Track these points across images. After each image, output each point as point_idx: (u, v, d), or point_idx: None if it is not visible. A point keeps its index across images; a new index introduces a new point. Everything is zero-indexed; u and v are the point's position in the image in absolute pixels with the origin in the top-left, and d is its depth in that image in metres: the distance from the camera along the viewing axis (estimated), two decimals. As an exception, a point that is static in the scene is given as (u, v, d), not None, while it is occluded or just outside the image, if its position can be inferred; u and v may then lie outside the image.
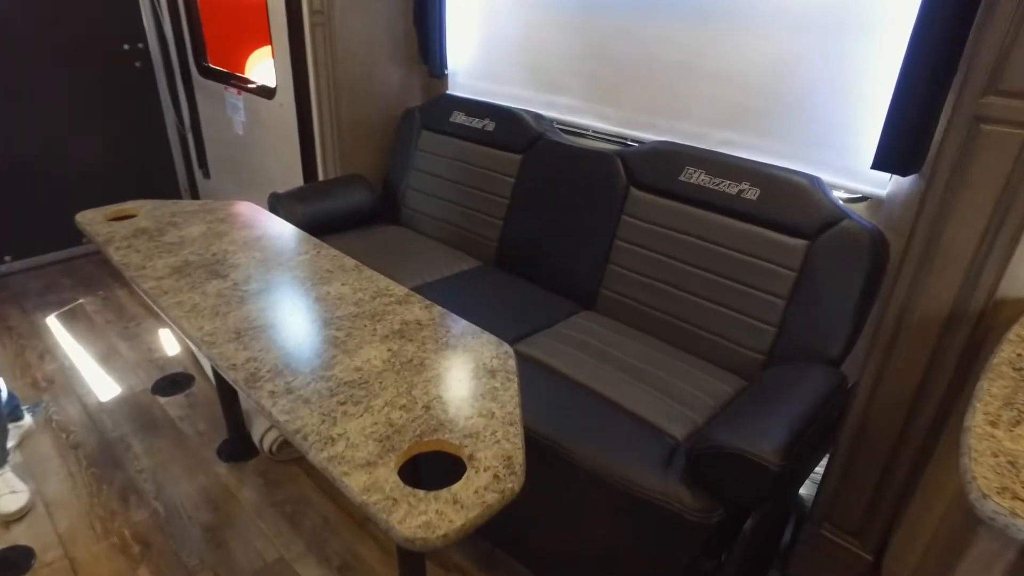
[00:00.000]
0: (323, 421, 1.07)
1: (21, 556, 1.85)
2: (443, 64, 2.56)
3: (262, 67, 3.02)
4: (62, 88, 3.38)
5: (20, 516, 1.96)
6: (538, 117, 2.24)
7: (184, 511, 1.97)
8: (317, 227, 2.45)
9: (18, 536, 1.91)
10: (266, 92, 2.92)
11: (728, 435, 1.26)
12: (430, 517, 0.89)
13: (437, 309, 1.43)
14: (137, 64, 3.62)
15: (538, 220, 2.14)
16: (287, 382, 1.17)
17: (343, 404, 1.11)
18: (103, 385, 2.55)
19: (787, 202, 1.63)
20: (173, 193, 4.04)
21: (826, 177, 1.68)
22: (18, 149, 3.33)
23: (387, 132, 2.69)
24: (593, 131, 2.19)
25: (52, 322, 2.98)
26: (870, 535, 1.52)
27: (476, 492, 0.93)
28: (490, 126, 2.28)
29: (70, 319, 3.01)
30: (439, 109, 2.47)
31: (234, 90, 3.17)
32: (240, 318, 1.37)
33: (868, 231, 1.52)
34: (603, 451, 1.40)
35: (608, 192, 1.94)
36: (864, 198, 1.67)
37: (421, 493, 0.93)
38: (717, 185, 1.73)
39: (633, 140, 2.09)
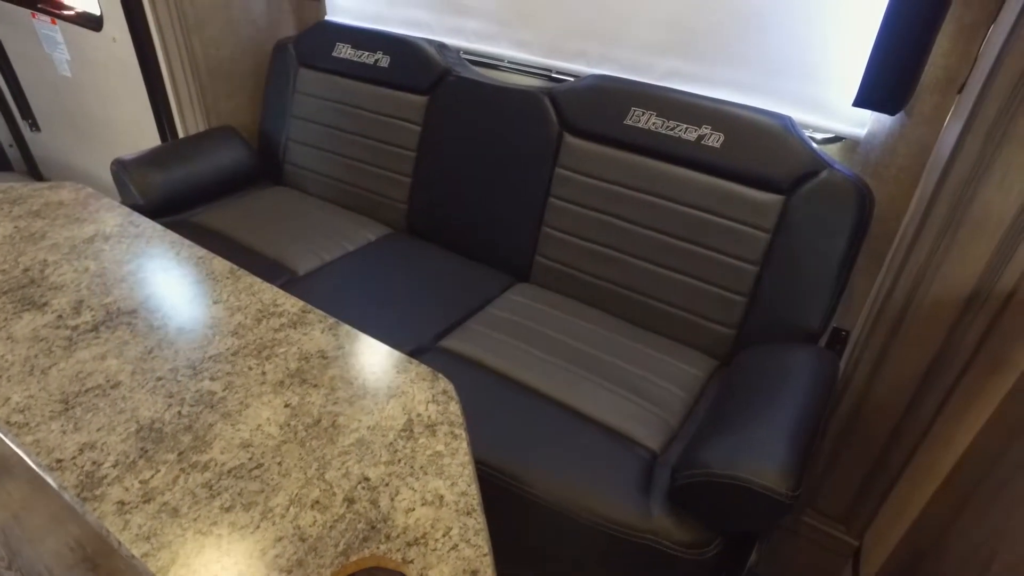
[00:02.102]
0: (201, 548, 0.75)
1: None
2: (315, -17, 2.07)
3: (76, -10, 2.38)
4: None
5: None
6: (442, 47, 1.84)
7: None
8: (182, 199, 2.00)
9: None
10: (90, 22, 2.31)
11: (720, 456, 1.04)
12: None
13: (344, 329, 1.09)
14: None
15: (454, 176, 1.79)
16: (143, 481, 0.82)
17: (228, 511, 0.79)
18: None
19: (757, 149, 1.37)
20: (-6, 151, 3.31)
21: (792, 113, 1.43)
22: None
23: (259, 72, 2.20)
24: (510, 62, 1.82)
25: None
26: (856, 520, 1.39)
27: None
28: (384, 61, 1.86)
29: None
30: (318, 41, 2.00)
31: (46, 18, 2.50)
32: (69, 375, 0.98)
33: (853, 183, 1.30)
34: (565, 479, 1.16)
35: (537, 140, 1.61)
36: (837, 139, 1.44)
37: (358, 663, 0.64)
38: (672, 130, 1.45)
39: (561, 73, 1.74)
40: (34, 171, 3.43)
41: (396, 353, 1.05)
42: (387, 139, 1.89)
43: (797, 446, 1.03)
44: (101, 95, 2.54)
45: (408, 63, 1.82)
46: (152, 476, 0.82)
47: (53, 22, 2.48)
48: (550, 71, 1.76)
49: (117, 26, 2.16)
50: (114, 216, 1.42)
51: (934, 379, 1.15)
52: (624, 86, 1.54)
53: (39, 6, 2.50)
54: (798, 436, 1.04)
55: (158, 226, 1.39)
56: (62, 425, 0.90)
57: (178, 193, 1.98)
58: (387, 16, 2.01)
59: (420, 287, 1.68)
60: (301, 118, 2.07)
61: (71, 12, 2.39)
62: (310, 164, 2.09)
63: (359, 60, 1.90)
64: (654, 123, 1.46)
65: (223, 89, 2.16)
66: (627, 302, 1.57)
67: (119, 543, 0.75)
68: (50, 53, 2.64)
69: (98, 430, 0.89)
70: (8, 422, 0.90)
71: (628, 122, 1.49)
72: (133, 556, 0.74)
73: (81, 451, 0.86)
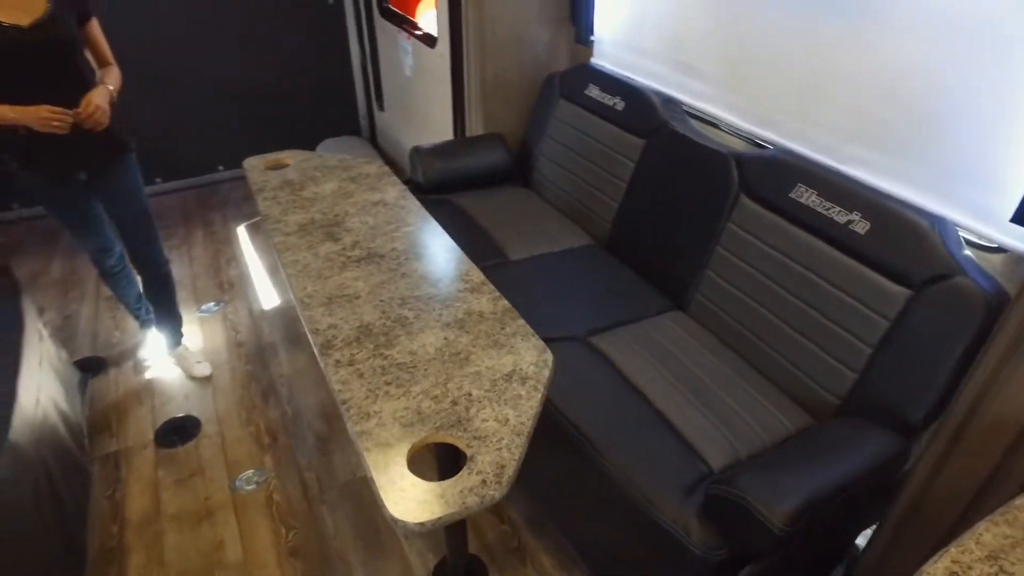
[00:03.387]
0: (367, 396, 1.26)
1: (192, 425, 2.35)
2: (589, 30, 2.53)
3: (429, 15, 3.17)
4: (263, 21, 3.83)
5: (205, 379, 2.53)
6: (668, 101, 2.17)
7: (305, 418, 2.36)
8: (451, 183, 2.64)
9: (191, 408, 2.42)
10: (430, 40, 3.09)
11: (749, 481, 1.26)
12: (415, 506, 1.04)
13: (503, 303, 1.54)
14: (330, 2, 3.97)
15: (649, 209, 2.13)
16: (352, 355, 1.37)
17: (388, 384, 1.29)
18: (268, 295, 3.02)
19: (898, 242, 1.48)
20: (353, 121, 4.45)
21: (961, 217, 1.49)
22: (231, 71, 3.87)
23: (531, 94, 2.75)
24: (721, 121, 2.08)
25: (241, 232, 3.54)
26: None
27: (461, 492, 1.07)
28: (620, 105, 2.25)
29: (254, 231, 3.55)
30: (577, 79, 2.47)
31: (405, 34, 3.38)
32: (336, 284, 1.59)
33: (983, 294, 1.35)
34: (633, 464, 1.47)
35: (719, 195, 1.87)
36: (1002, 249, 1.46)
37: (417, 481, 1.08)
38: (827, 210, 1.61)
39: (761, 139, 1.96)
40: (373, 138, 4.52)
41: (528, 327, 1.46)
42: (608, 168, 2.29)
43: (811, 494, 1.20)
44: (425, 94, 3.34)
45: (637, 109, 2.19)
46: (357, 353, 1.36)
47: (408, 38, 3.34)
48: (752, 136, 1.98)
49: (444, 46, 2.88)
50: (395, 190, 2.05)
51: (989, 495, 1.19)
52: (798, 163, 1.72)
53: (404, 26, 3.38)
54: (817, 487, 1.22)
55: (418, 204, 1.98)
56: (323, 312, 1.49)
57: (448, 179, 2.63)
58: (636, 65, 2.39)
59: (593, 291, 2.07)
60: (552, 138, 2.57)
61: (420, 32, 3.21)
62: (550, 175, 2.59)
63: (601, 100, 2.32)
64: (813, 201, 1.63)
65: (501, 104, 2.76)
66: (753, 348, 1.76)
67: (338, 388, 1.30)
68: (402, 59, 3.54)
69: (340, 319, 1.47)
70: (301, 301, 1.53)
71: (792, 195, 1.68)
72: (340, 391, 1.28)
73: (328, 328, 1.44)
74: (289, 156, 2.30)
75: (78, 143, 1.87)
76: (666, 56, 2.26)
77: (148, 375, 2.56)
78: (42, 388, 1.97)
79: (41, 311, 2.87)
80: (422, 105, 3.47)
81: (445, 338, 1.42)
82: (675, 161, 2.05)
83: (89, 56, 1.98)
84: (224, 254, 3.35)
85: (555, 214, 2.50)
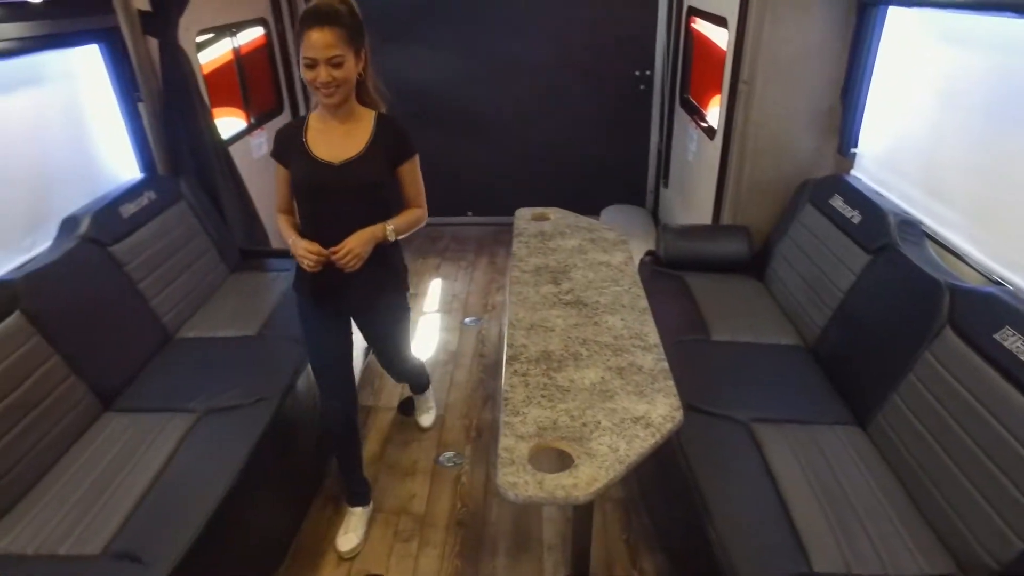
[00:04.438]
0: (523, 400, 1.62)
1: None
2: (850, 144, 2.57)
3: (715, 111, 3.48)
4: (584, 95, 4.53)
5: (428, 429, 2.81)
6: (906, 223, 2.14)
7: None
8: (687, 261, 2.90)
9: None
10: (710, 133, 3.39)
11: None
12: (519, 483, 1.37)
13: (662, 365, 1.77)
14: (642, 87, 4.51)
15: (858, 323, 2.11)
16: (527, 369, 1.75)
17: (543, 397, 1.64)
18: (517, 321, 3.59)
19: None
20: (640, 193, 4.91)
21: None
22: (545, 131, 4.64)
23: (785, 195, 2.87)
24: (963, 253, 2.00)
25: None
26: None
27: (555, 486, 1.36)
28: (856, 218, 2.28)
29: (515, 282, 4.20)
30: (826, 188, 2.54)
31: (694, 124, 3.72)
32: (541, 316, 2.00)
33: None
34: (734, 536, 1.58)
35: (924, 322, 1.82)
36: None
37: (529, 468, 1.41)
38: (1029, 361, 1.50)
39: (1002, 278, 1.85)
40: (655, 211, 4.91)
41: (673, 388, 1.67)
42: (831, 276, 2.31)
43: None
44: (699, 179, 3.63)
45: (870, 225, 2.20)
46: (531, 369, 1.74)
47: (696, 127, 3.68)
48: (990, 274, 1.88)
49: (719, 140, 3.15)
50: (622, 256, 2.40)
51: None
52: (1012, 304, 1.61)
53: (694, 116, 3.74)
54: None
55: (635, 271, 2.29)
56: (522, 334, 1.90)
57: (686, 257, 2.88)
58: (889, 184, 2.38)
59: (778, 385, 2.13)
60: (791, 239, 2.66)
61: (705, 124, 3.53)
62: (781, 273, 2.67)
63: (841, 211, 2.37)
64: (1018, 347, 1.53)
65: (754, 199, 2.92)
66: (919, 483, 1.66)
67: (506, 388, 1.70)
68: (687, 144, 3.89)
69: (531, 342, 1.86)
70: (511, 322, 1.96)
71: (996, 336, 1.59)
72: (507, 391, 1.67)
73: (520, 346, 1.84)
74: (552, 212, 2.82)
75: (335, 280, 1.89)
76: (919, 178, 2.22)
77: (413, 358, 3.29)
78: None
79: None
80: (695, 188, 3.77)
81: (602, 377, 1.72)
82: (891, 281, 2.02)
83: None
84: (496, 282, 4.05)
85: (774, 310, 2.58)
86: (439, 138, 4.66)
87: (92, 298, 2.22)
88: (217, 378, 2.25)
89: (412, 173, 1.95)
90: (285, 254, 2.47)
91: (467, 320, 3.63)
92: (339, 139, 1.84)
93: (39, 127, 2.34)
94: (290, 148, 1.88)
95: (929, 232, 2.17)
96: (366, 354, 3.02)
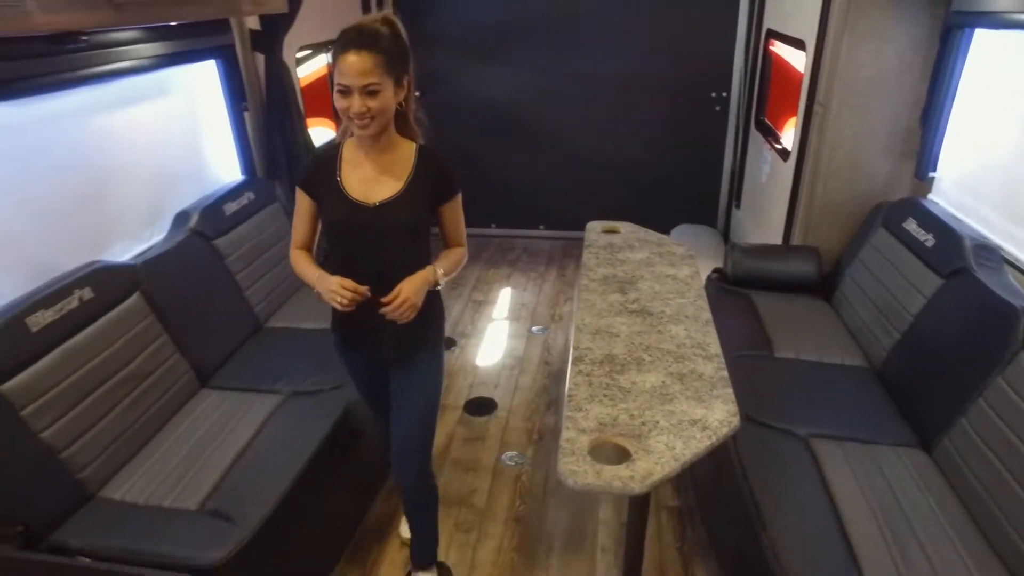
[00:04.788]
0: (586, 397, 1.71)
1: (491, 405, 3.09)
2: (928, 168, 2.54)
3: (790, 132, 3.48)
4: (659, 114, 4.60)
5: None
6: (983, 248, 2.11)
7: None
8: (754, 280, 2.92)
9: (495, 394, 3.16)
10: (784, 154, 3.39)
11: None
12: (577, 471, 1.45)
13: (723, 374, 1.82)
14: (717, 108, 4.54)
15: (927, 346, 2.09)
16: (591, 370, 1.84)
17: (605, 396, 1.72)
18: (581, 332, 3.67)
19: None
20: (711, 213, 4.91)
21: None
22: (619, 147, 4.72)
23: (857, 218, 2.85)
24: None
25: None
26: None
27: (612, 476, 1.44)
28: (930, 242, 2.26)
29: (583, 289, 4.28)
30: (900, 211, 2.51)
31: (768, 145, 3.73)
32: (607, 323, 2.08)
33: None
34: (786, 545, 1.60)
35: (998, 346, 1.79)
36: None
37: (588, 460, 1.49)
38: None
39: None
40: (725, 232, 4.89)
41: (731, 395, 1.72)
42: (901, 299, 2.29)
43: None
44: (771, 200, 3.63)
45: (945, 249, 2.17)
46: (595, 370, 1.82)
47: (770, 149, 3.69)
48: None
49: (792, 161, 3.16)
50: (689, 270, 2.45)
51: None
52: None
53: (768, 138, 3.75)
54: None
55: (701, 285, 2.34)
56: (588, 337, 1.99)
57: (752, 276, 2.90)
58: (969, 208, 2.34)
59: (840, 403, 2.14)
60: (862, 262, 2.64)
61: (779, 146, 3.54)
62: (849, 295, 2.65)
63: (914, 234, 2.34)
64: (1093, 376, 1.51)
65: (825, 221, 2.91)
66: (987, 512, 1.64)
67: (571, 386, 1.79)
68: (761, 166, 3.90)
69: (596, 346, 1.95)
70: (578, 326, 2.06)
71: (1072, 364, 1.57)
72: (571, 388, 1.76)
73: (585, 348, 1.93)
74: (622, 226, 2.90)
75: (370, 324, 1.70)
76: (1000, 202, 2.19)
77: (477, 361, 3.42)
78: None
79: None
80: (767, 209, 3.76)
81: (663, 382, 1.78)
82: (964, 305, 1.99)
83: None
84: (565, 294, 4.14)
85: (841, 331, 2.56)
86: (515, 152, 4.83)
87: (197, 285, 2.46)
88: (300, 365, 2.44)
89: (455, 211, 1.77)
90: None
91: (534, 329, 3.74)
92: (376, 175, 1.66)
93: (161, 132, 2.62)
94: (321, 182, 1.69)
95: (1010, 258, 2.13)
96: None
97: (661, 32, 4.41)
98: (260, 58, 2.99)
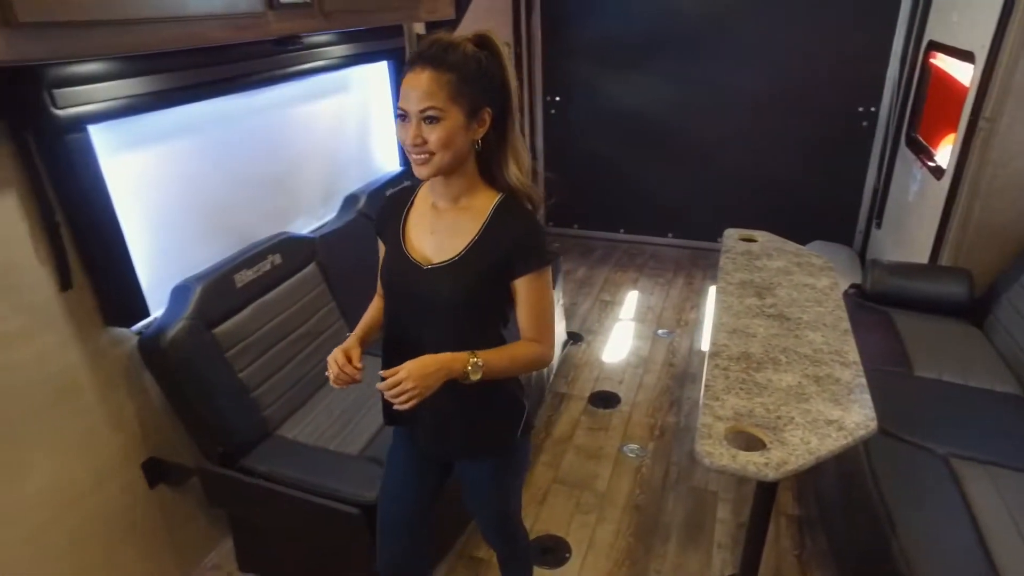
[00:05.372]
0: (723, 389, 1.79)
1: (615, 399, 3.20)
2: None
3: (946, 150, 3.33)
4: (798, 128, 4.50)
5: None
6: None
7: (690, 433, 2.94)
8: (895, 298, 2.84)
9: (620, 389, 3.26)
10: (937, 172, 3.25)
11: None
12: (714, 453, 1.54)
13: (860, 380, 1.84)
14: (864, 124, 4.39)
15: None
16: (727, 365, 1.91)
17: (741, 389, 1.79)
18: (706, 341, 3.69)
19: None
20: (848, 232, 4.73)
21: None
22: (750, 166, 4.66)
23: (1018, 239, 2.70)
24: None
25: (711, 290, 4.30)
26: None
27: (747, 460, 1.52)
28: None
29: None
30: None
31: (919, 163, 3.58)
32: (743, 323, 2.14)
33: None
34: (921, 557, 1.60)
35: None
36: None
37: (724, 444, 1.57)
38: None
39: None
40: (862, 252, 4.69)
41: (869, 401, 1.73)
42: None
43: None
44: (918, 220, 3.47)
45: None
46: (731, 365, 1.90)
47: (921, 167, 3.54)
48: None
49: (947, 180, 3.02)
50: (827, 281, 2.44)
51: None
52: None
53: (920, 156, 3.59)
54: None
55: (840, 296, 2.33)
56: (725, 336, 2.06)
57: (894, 294, 2.82)
58: None
59: (986, 426, 2.08)
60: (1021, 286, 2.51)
61: (932, 164, 3.39)
62: (1006, 322, 2.52)
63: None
64: None
65: (980, 242, 2.77)
66: None
67: (708, 378, 1.87)
68: (909, 184, 3.74)
69: (732, 344, 2.02)
70: (715, 325, 2.13)
71: None
72: (708, 380, 1.85)
73: (722, 345, 2.00)
74: (759, 235, 2.92)
75: (418, 412, 1.34)
76: None
77: (603, 357, 3.54)
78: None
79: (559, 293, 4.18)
80: (913, 229, 3.61)
81: (799, 382, 1.83)
82: None
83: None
84: (691, 301, 4.16)
85: (992, 357, 2.45)
86: (650, 160, 4.90)
87: (359, 260, 2.74)
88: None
89: (532, 292, 1.33)
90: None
91: (660, 331, 3.80)
92: (441, 228, 1.35)
93: (339, 124, 2.95)
94: (388, 227, 1.44)
95: None
96: (564, 346, 3.32)
97: (807, 45, 4.32)
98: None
